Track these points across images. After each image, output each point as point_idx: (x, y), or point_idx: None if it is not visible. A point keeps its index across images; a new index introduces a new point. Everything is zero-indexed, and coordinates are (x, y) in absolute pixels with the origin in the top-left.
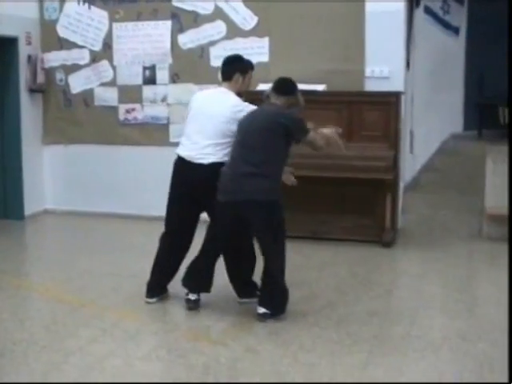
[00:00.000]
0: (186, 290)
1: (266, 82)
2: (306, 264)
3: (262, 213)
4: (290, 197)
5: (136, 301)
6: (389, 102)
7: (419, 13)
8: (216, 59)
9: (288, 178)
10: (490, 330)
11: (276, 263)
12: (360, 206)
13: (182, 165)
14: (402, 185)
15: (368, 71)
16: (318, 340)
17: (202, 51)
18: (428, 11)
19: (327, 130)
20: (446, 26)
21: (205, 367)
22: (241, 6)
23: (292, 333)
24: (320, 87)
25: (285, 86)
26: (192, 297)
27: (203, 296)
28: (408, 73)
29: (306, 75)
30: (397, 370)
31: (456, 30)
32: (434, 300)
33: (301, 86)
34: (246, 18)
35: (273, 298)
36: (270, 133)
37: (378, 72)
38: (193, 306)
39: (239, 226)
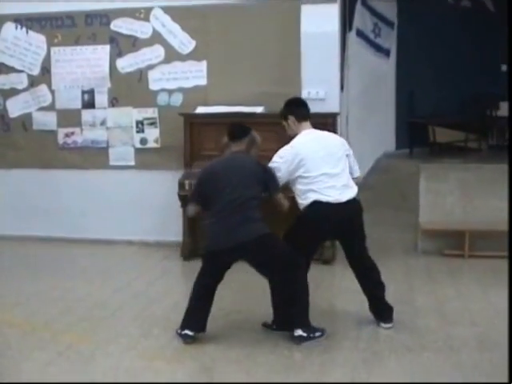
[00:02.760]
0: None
1: (204, 104)
2: (250, 284)
3: None
4: None
5: (87, 323)
6: (325, 123)
7: (352, 36)
8: (154, 83)
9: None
10: (433, 339)
11: None
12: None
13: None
14: None
15: (304, 93)
16: (270, 356)
17: (141, 75)
18: (360, 34)
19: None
20: (378, 48)
21: None
22: (178, 30)
23: (245, 349)
24: (258, 109)
25: (237, 130)
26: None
27: (155, 316)
28: (342, 94)
29: (244, 97)
30: (349, 382)
31: (387, 52)
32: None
33: (239, 109)
34: (184, 42)
35: None
36: (258, 186)
37: (314, 94)
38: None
39: None
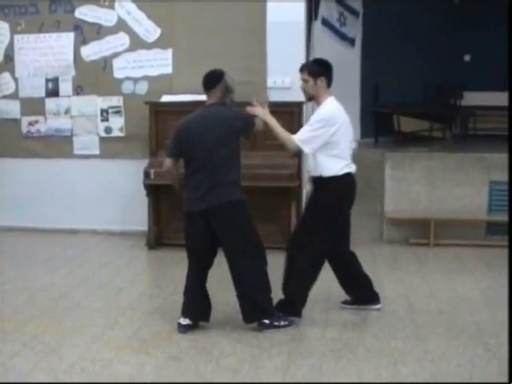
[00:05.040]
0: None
1: (169, 93)
2: (215, 271)
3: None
4: None
5: (52, 314)
6: (291, 112)
7: (317, 25)
8: (119, 71)
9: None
10: (400, 327)
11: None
12: (266, 214)
13: (354, 181)
14: (305, 192)
15: (270, 81)
16: (237, 345)
17: (105, 63)
18: (325, 23)
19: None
20: (343, 37)
21: (130, 377)
22: (144, 18)
23: (212, 339)
24: None
25: (208, 80)
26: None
27: (120, 306)
28: None
29: None
30: (317, 370)
31: (352, 42)
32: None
33: (204, 97)
34: (149, 30)
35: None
36: (231, 139)
37: (280, 82)
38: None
39: None
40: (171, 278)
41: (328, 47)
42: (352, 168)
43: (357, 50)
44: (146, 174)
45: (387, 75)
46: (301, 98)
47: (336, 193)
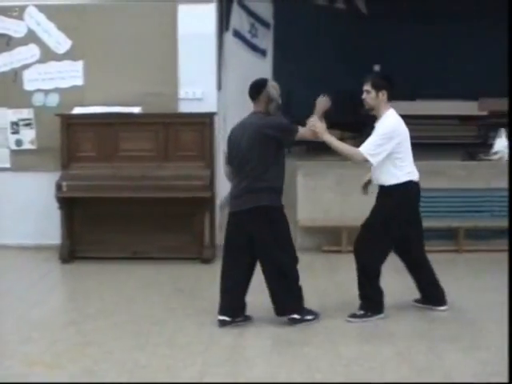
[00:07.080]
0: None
1: (81, 105)
2: (129, 284)
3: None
4: (109, 217)
5: None
6: (203, 123)
7: (228, 36)
8: (30, 83)
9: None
10: (313, 334)
11: None
12: (179, 225)
13: (416, 188)
14: (218, 202)
15: (181, 93)
16: (152, 356)
17: (16, 75)
18: (237, 35)
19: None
20: (254, 48)
21: None
22: (53, 29)
23: (126, 351)
24: (136, 109)
25: (251, 90)
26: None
27: (34, 320)
28: (220, 94)
29: (122, 98)
30: (233, 378)
31: (263, 52)
32: (258, 310)
33: (117, 109)
34: (60, 42)
35: None
36: (260, 146)
37: (191, 94)
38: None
39: None
40: (85, 291)
41: (240, 58)
42: (415, 175)
43: (268, 60)
44: (59, 187)
45: (299, 85)
46: (213, 108)
47: (398, 199)
